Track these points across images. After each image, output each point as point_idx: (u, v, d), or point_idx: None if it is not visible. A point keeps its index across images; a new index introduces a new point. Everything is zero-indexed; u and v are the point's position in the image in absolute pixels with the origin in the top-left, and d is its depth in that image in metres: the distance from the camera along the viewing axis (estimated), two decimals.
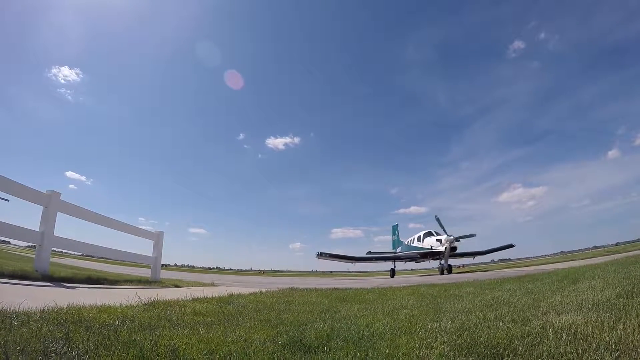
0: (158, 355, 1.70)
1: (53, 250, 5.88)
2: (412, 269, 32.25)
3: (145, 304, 3.43)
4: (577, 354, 1.64)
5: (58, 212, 5.45)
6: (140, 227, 8.52)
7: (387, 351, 1.91)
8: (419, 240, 25.43)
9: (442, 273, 20.93)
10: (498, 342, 1.93)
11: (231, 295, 5.13)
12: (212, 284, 9.03)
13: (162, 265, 9.34)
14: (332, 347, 2.00)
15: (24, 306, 2.39)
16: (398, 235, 34.06)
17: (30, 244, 6.40)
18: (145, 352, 1.71)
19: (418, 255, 24.99)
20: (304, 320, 3.01)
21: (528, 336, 2.02)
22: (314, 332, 2.40)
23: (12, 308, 2.29)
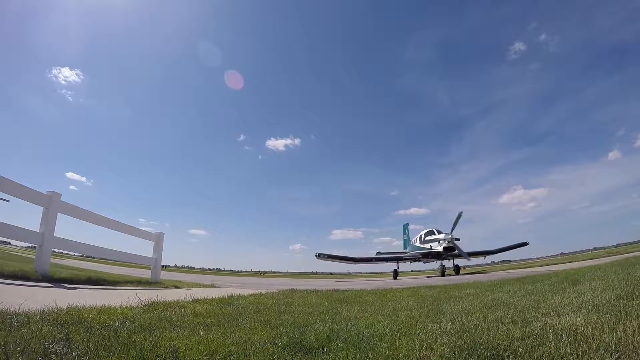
0: (158, 357, 1.70)
1: (53, 251, 5.88)
2: (420, 270, 31.95)
3: (146, 305, 3.43)
4: (578, 356, 1.64)
5: (58, 213, 5.45)
6: (141, 228, 8.52)
7: (387, 352, 1.91)
8: (420, 240, 24.89)
9: (442, 274, 20.34)
10: (498, 344, 1.93)
11: (231, 296, 5.13)
12: (212, 285, 9.03)
13: (162, 266, 9.34)
14: (333, 349, 2.00)
15: (24, 307, 2.39)
16: (408, 235, 33.14)
17: (30, 245, 6.38)
18: (145, 353, 1.71)
19: (420, 256, 24.34)
20: (304, 321, 3.01)
21: (528, 337, 2.01)
22: (314, 334, 2.39)
23: (12, 309, 2.29)
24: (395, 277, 23.68)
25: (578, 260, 19.56)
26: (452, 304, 4.09)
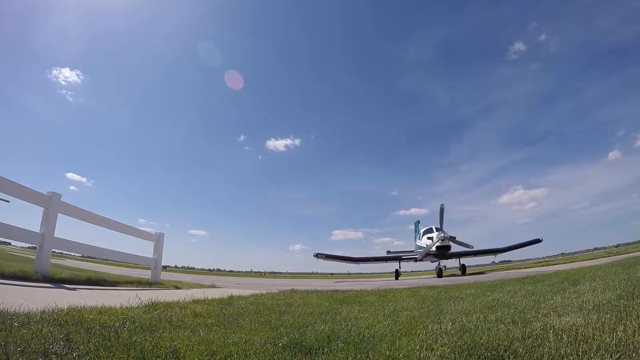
0: (159, 357, 1.70)
1: (53, 252, 5.89)
2: (424, 270, 31.59)
3: (146, 306, 3.43)
4: (578, 356, 1.64)
5: (58, 214, 5.45)
6: (141, 228, 8.52)
7: (387, 353, 1.91)
8: (419, 238, 24.01)
9: (439, 275, 18.96)
10: (499, 344, 1.93)
11: (231, 297, 5.13)
12: (213, 286, 9.03)
13: (162, 266, 9.34)
14: (333, 349, 2.00)
15: (25, 307, 2.39)
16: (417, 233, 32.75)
17: (30, 245, 6.38)
18: (145, 353, 1.71)
19: (418, 255, 23.61)
20: (305, 322, 3.01)
21: (529, 338, 2.01)
22: (315, 334, 2.39)
23: (12, 309, 2.29)
24: (396, 278, 22.86)
25: (578, 261, 19.56)
26: (453, 304, 4.09)
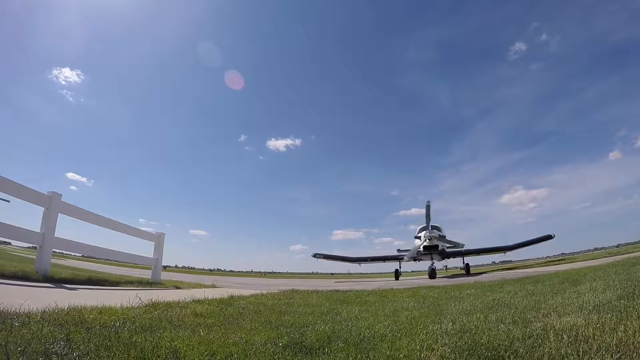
0: (159, 357, 1.70)
1: (54, 252, 5.89)
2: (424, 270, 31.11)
3: (146, 306, 3.43)
4: (579, 356, 1.64)
5: (59, 214, 5.45)
6: (141, 228, 8.52)
7: (388, 353, 1.91)
8: (415, 237, 22.23)
9: (430, 276, 17.50)
10: (499, 344, 1.93)
11: (232, 297, 5.13)
12: (213, 286, 9.03)
13: (163, 266, 9.34)
14: (333, 349, 2.00)
15: (25, 307, 2.39)
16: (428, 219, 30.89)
17: (31, 245, 6.38)
18: (146, 353, 1.71)
19: (406, 257, 22.45)
20: (305, 322, 3.01)
21: (529, 338, 2.01)
22: (315, 334, 2.40)
23: (13, 309, 2.29)
24: (396, 278, 21.93)
25: (578, 261, 19.52)
26: (453, 304, 4.09)
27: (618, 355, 1.61)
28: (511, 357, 1.73)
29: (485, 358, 1.75)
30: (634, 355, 1.60)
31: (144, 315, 2.77)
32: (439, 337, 2.25)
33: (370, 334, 2.41)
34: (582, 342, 1.81)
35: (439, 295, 5.50)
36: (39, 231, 5.16)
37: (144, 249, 8.76)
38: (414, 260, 22.45)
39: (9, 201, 5.06)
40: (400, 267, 23.97)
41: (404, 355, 1.86)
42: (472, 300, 4.35)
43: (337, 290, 7.19)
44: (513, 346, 1.87)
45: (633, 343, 1.72)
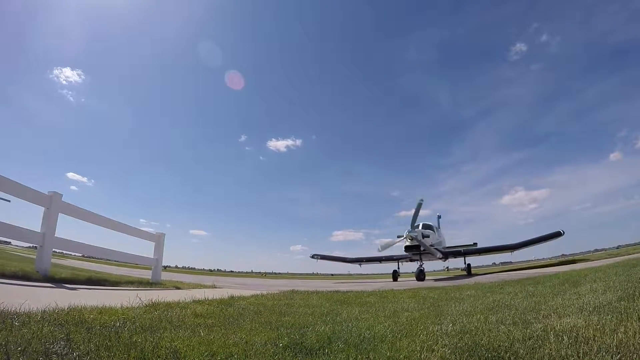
0: (159, 357, 1.70)
1: (54, 252, 5.89)
2: (429, 271, 30.58)
3: (146, 306, 3.43)
4: (579, 357, 1.64)
5: (59, 214, 5.46)
6: (142, 228, 8.53)
7: (388, 354, 1.91)
8: (398, 236, 20.67)
9: (417, 278, 16.55)
10: (499, 345, 1.93)
11: (232, 297, 5.13)
12: (213, 286, 9.03)
13: (163, 267, 9.35)
14: (333, 350, 2.00)
15: (25, 307, 2.39)
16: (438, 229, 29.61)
17: (31, 245, 6.39)
18: (146, 353, 1.72)
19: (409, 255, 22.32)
20: (305, 322, 3.01)
21: (529, 339, 2.01)
22: (315, 335, 2.40)
23: (13, 309, 2.29)
24: (394, 279, 21.09)
25: (579, 262, 19.52)
26: (453, 305, 4.09)
27: (618, 356, 1.61)
28: (511, 358, 1.73)
29: (486, 359, 1.75)
30: (635, 356, 1.60)
31: (144, 316, 2.77)
32: (439, 338, 2.25)
33: (371, 335, 2.41)
34: (582, 344, 1.81)
35: (439, 296, 5.50)
36: (39, 231, 5.16)
37: (145, 249, 8.76)
38: (410, 260, 21.10)
39: (9, 201, 5.07)
40: (398, 268, 22.98)
41: (404, 356, 1.86)
42: (473, 302, 4.35)
43: (337, 291, 7.19)
44: (513, 347, 1.87)
45: (633, 344, 1.72)
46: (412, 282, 14.69)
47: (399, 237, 18.42)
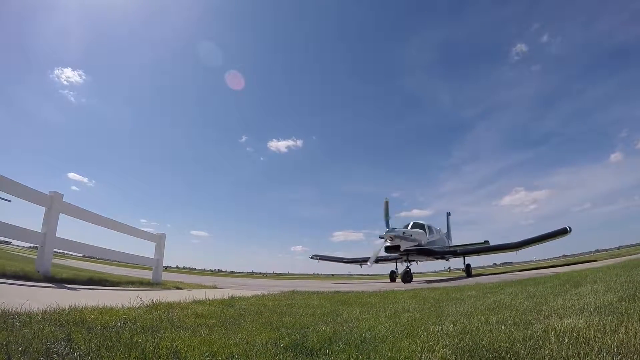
0: (160, 357, 1.70)
1: (55, 252, 5.90)
2: (428, 272, 30.26)
3: (147, 306, 3.43)
4: (579, 358, 1.64)
5: (60, 214, 5.46)
6: (142, 229, 8.53)
7: (389, 354, 1.90)
8: (380, 236, 19.35)
9: (403, 280, 15.70)
10: (500, 346, 1.92)
11: (233, 297, 5.13)
12: (214, 287, 9.03)
13: (164, 267, 9.35)
14: (334, 350, 2.00)
15: (26, 307, 2.39)
16: (448, 227, 27.23)
17: (32, 245, 6.39)
18: (147, 354, 1.72)
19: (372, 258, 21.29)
20: (306, 323, 3.01)
21: (530, 340, 2.01)
22: (316, 335, 2.39)
23: (14, 309, 2.29)
24: (392, 280, 20.52)
25: (580, 263, 19.47)
26: (454, 306, 4.08)
27: (619, 357, 1.61)
28: (512, 358, 1.73)
29: (486, 359, 1.75)
30: (635, 357, 1.60)
31: (145, 316, 2.77)
32: (440, 338, 2.24)
33: (372, 335, 2.41)
34: (583, 344, 1.81)
35: (440, 296, 5.50)
36: (40, 231, 5.17)
37: (145, 249, 8.77)
38: (407, 261, 19.50)
39: (10, 201, 5.08)
40: (396, 269, 21.91)
41: (405, 357, 1.86)
42: (473, 302, 4.34)
43: (337, 292, 7.19)
44: (514, 348, 1.87)
45: (634, 345, 1.72)
46: (413, 283, 14.66)
47: (380, 237, 17.19)
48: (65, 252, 8.02)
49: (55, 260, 9.54)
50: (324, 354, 1.93)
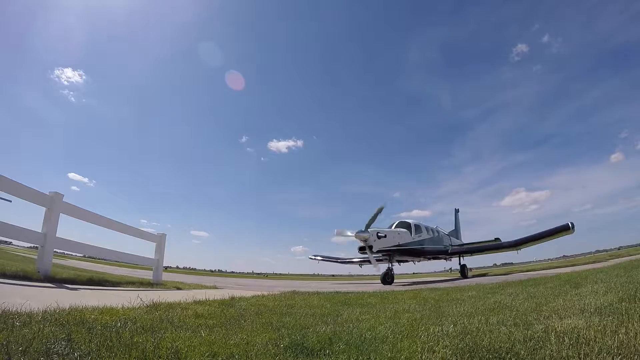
0: (160, 358, 1.70)
1: (55, 252, 5.90)
2: (430, 272, 30.30)
3: (147, 306, 3.43)
4: (580, 358, 1.63)
5: (60, 214, 5.47)
6: (143, 229, 8.53)
7: (389, 355, 1.90)
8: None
9: (383, 282, 14.87)
10: (500, 346, 1.92)
11: (233, 298, 5.13)
12: (214, 287, 9.03)
13: (164, 267, 9.35)
14: (334, 351, 2.00)
15: (26, 307, 2.40)
16: (456, 224, 26.14)
17: (32, 245, 6.40)
18: (147, 354, 1.72)
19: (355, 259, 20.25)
20: (306, 323, 3.01)
21: (530, 340, 2.01)
22: (316, 336, 2.39)
23: (14, 309, 2.30)
24: (383, 282, 17.70)
25: (580, 263, 19.45)
26: (454, 306, 4.08)
27: (619, 358, 1.61)
28: (512, 359, 1.73)
29: None
30: (635, 357, 1.60)
31: (145, 316, 2.78)
32: (440, 339, 2.24)
33: (372, 336, 2.40)
34: (583, 345, 1.80)
35: (440, 297, 5.49)
36: (40, 231, 5.17)
37: (146, 249, 8.79)
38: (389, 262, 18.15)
39: (10, 201, 5.08)
40: (392, 269, 19.95)
41: (405, 357, 1.86)
42: (474, 303, 4.34)
43: (338, 292, 7.19)
44: (514, 348, 1.87)
45: (634, 345, 1.72)
46: (401, 286, 14.64)
47: (350, 233, 15.94)
48: (66, 252, 8.02)
49: (56, 261, 9.54)
50: (325, 355, 1.93)
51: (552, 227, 16.90)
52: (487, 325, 2.59)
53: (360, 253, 16.06)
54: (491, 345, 1.97)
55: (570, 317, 2.62)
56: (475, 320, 2.90)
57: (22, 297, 2.92)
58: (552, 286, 5.45)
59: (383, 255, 16.54)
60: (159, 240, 8.60)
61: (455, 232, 25.04)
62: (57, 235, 5.37)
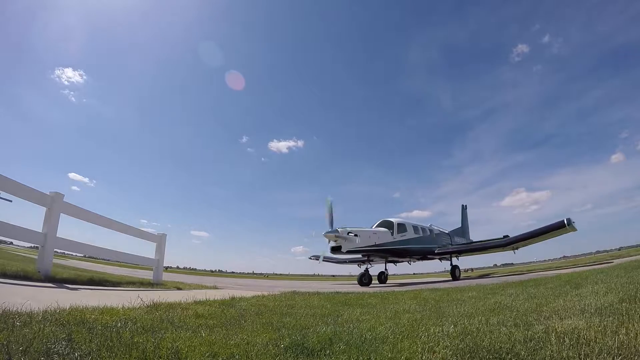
0: (160, 358, 1.70)
1: (55, 252, 5.90)
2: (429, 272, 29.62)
3: (148, 306, 3.43)
4: (580, 359, 1.63)
5: (61, 214, 5.47)
6: (143, 229, 8.53)
7: (389, 355, 1.90)
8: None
9: (360, 283, 14.92)
10: (500, 347, 1.92)
11: (233, 298, 5.13)
12: (214, 287, 9.03)
13: (164, 267, 9.35)
14: (335, 351, 2.00)
15: (27, 307, 2.40)
16: (462, 220, 24.72)
17: (32, 245, 6.39)
18: (147, 354, 1.72)
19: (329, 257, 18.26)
20: (306, 323, 3.01)
21: (530, 341, 2.01)
22: (317, 336, 2.39)
23: (14, 308, 2.30)
24: (381, 282, 18.14)
25: (580, 264, 19.43)
26: (455, 307, 4.08)
27: (620, 358, 1.61)
28: (513, 359, 1.73)
29: None
30: (636, 358, 1.60)
31: (146, 316, 2.78)
32: (440, 339, 2.24)
33: (372, 336, 2.40)
34: (583, 345, 1.80)
35: (440, 297, 5.49)
36: (40, 231, 5.17)
37: (146, 249, 8.80)
38: (366, 263, 17.42)
39: (11, 201, 5.08)
40: (386, 269, 18.98)
41: (405, 358, 1.86)
42: (474, 303, 4.34)
43: (338, 292, 7.19)
44: (514, 349, 1.87)
45: (635, 346, 1.72)
46: (410, 285, 14.63)
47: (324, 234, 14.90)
48: (66, 252, 8.03)
49: (56, 260, 9.55)
50: (325, 355, 1.93)
51: (547, 225, 16.08)
52: (487, 326, 2.59)
53: (332, 253, 15.14)
54: (491, 345, 1.96)
55: (571, 318, 2.62)
56: (475, 320, 2.90)
57: (23, 297, 2.92)
58: (552, 287, 5.44)
59: (363, 255, 15.85)
60: (159, 241, 8.60)
61: (462, 230, 23.62)
62: (58, 235, 5.38)
